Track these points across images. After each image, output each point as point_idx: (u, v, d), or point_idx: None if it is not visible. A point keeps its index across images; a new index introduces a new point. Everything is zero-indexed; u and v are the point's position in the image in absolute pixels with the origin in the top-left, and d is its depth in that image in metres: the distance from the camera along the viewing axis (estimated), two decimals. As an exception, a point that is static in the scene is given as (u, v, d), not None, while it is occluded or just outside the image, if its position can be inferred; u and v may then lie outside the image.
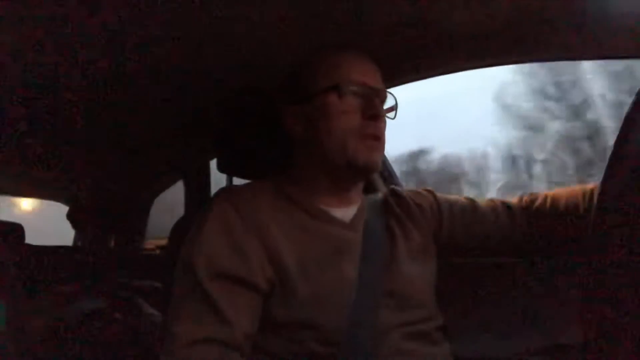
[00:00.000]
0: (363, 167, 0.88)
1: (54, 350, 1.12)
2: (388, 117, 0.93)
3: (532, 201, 1.02)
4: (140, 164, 2.16)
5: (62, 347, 1.17)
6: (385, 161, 1.50)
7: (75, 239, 2.66)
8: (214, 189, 2.03)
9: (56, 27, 0.99)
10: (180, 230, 1.13)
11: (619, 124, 0.50)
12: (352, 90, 0.88)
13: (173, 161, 2.11)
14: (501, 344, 1.10)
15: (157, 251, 2.50)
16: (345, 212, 0.92)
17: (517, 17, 0.97)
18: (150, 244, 2.62)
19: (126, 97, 1.43)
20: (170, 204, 2.54)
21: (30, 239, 1.85)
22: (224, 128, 1.06)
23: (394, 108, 0.95)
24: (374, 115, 0.88)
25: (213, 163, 2.00)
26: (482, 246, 1.03)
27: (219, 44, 1.11)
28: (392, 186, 1.29)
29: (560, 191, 1.01)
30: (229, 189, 0.94)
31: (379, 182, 1.47)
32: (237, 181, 1.10)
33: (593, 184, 0.96)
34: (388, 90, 0.95)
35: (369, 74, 0.91)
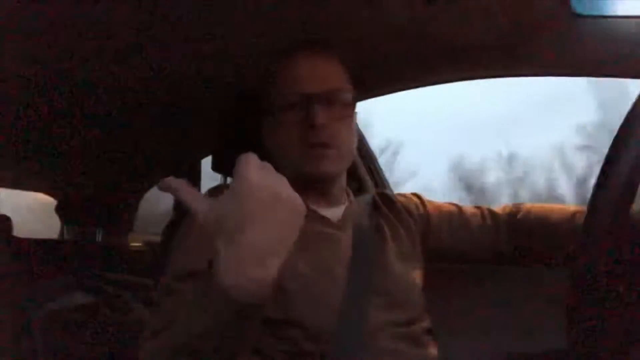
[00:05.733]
0: (311, 176, 0.88)
1: (45, 343, 1.12)
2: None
3: (516, 212, 1.05)
4: (130, 160, 2.15)
5: (52, 340, 1.17)
6: (375, 165, 1.52)
7: (62, 233, 2.64)
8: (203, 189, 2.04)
9: (53, 24, 0.99)
10: (172, 230, 1.13)
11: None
12: (289, 103, 0.87)
13: (164, 158, 2.11)
14: (487, 350, 1.12)
15: (144, 247, 2.49)
16: (333, 212, 0.93)
17: (513, 31, 0.99)
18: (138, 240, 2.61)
19: (119, 94, 1.43)
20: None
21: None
22: (221, 128, 1.07)
23: (348, 106, 0.91)
24: (312, 125, 0.85)
25: (204, 162, 2.01)
26: (468, 251, 1.05)
27: (214, 44, 1.12)
28: (381, 189, 1.31)
29: (544, 206, 1.04)
30: (220, 187, 0.95)
31: (369, 184, 1.48)
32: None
33: (575, 206, 0.99)
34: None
35: (310, 79, 0.88)
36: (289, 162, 0.88)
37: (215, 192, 0.90)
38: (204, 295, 0.59)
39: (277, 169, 0.89)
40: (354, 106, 0.93)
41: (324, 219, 0.92)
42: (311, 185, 0.90)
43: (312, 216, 0.90)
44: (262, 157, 0.96)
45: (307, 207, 0.90)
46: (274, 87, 0.91)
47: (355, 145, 0.97)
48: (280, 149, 0.90)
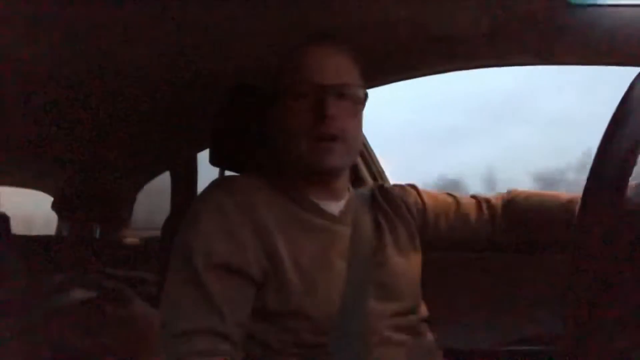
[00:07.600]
0: (317, 168, 0.88)
1: (47, 340, 1.13)
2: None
3: (511, 200, 1.06)
4: (126, 154, 2.14)
5: (54, 337, 1.18)
6: (374, 159, 1.53)
7: (59, 229, 2.64)
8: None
9: (51, 22, 0.99)
10: (173, 225, 1.14)
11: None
12: (300, 92, 0.87)
13: (160, 153, 2.11)
14: (484, 335, 1.13)
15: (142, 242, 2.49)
16: (334, 206, 0.94)
17: (505, 20, 0.99)
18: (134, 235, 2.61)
19: (115, 88, 1.42)
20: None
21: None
22: (219, 122, 1.07)
23: (358, 101, 0.91)
24: (323, 115, 0.86)
25: (200, 156, 2.01)
26: (465, 241, 1.06)
27: (212, 40, 1.12)
28: (380, 182, 1.32)
29: (540, 194, 1.05)
30: (224, 179, 0.96)
31: (368, 177, 1.49)
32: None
33: (568, 194, 0.99)
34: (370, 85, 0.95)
35: (324, 71, 0.88)
36: (295, 152, 0.87)
37: (224, 182, 0.91)
38: None
39: (282, 157, 0.91)
40: (363, 103, 0.93)
41: (325, 213, 0.92)
42: (315, 177, 0.91)
43: (313, 209, 0.91)
44: (264, 146, 0.98)
45: (309, 199, 0.92)
46: (284, 75, 0.91)
47: (361, 141, 0.96)
48: (287, 138, 0.89)
